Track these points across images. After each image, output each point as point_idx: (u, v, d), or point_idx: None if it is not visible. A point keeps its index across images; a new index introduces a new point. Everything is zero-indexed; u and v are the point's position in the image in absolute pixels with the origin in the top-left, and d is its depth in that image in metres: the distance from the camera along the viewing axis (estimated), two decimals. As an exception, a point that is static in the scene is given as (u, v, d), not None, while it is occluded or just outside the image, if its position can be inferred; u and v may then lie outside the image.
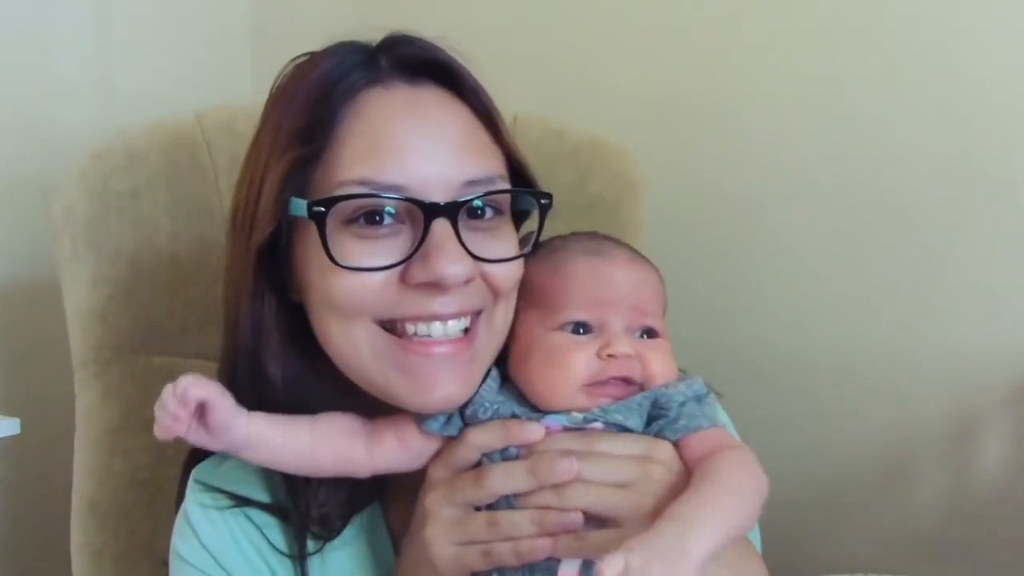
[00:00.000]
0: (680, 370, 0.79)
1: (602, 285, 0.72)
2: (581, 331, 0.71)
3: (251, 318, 0.73)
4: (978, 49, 1.35)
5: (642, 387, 0.72)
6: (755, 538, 0.81)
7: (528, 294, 0.74)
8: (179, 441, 0.74)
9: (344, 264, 0.67)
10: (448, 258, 0.66)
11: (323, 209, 0.66)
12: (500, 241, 0.71)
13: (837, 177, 1.46)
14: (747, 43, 1.51)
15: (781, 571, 1.53)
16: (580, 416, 0.69)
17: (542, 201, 0.73)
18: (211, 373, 0.97)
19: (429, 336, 0.69)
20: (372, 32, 0.82)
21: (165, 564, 0.82)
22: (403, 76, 0.72)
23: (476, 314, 0.71)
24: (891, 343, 1.44)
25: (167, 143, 1.16)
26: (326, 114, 0.69)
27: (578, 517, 0.65)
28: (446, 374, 0.69)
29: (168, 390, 0.65)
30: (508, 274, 0.72)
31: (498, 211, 0.72)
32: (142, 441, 1.11)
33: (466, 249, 0.68)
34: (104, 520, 1.12)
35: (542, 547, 0.65)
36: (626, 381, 0.71)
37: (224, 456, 0.77)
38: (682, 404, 0.71)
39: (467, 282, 0.69)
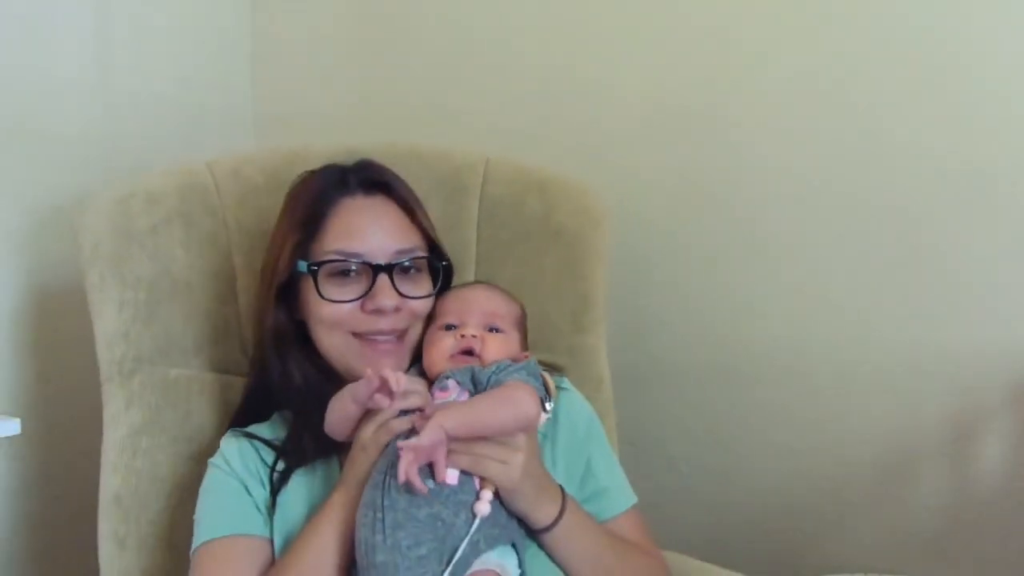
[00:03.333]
0: (547, 365, 1.23)
1: (463, 303, 1.18)
2: (453, 327, 1.15)
3: (273, 334, 1.18)
4: (977, 51, 1.35)
5: (480, 358, 1.12)
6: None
7: (433, 315, 1.20)
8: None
9: (327, 298, 1.14)
10: (385, 296, 1.13)
11: (316, 267, 1.15)
12: (419, 286, 1.18)
13: (837, 178, 1.46)
14: (743, 49, 1.52)
15: (781, 571, 1.54)
16: (443, 376, 1.10)
17: (443, 263, 1.21)
18: (220, 384, 1.33)
19: (377, 339, 1.16)
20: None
21: (180, 552, 1.14)
22: (362, 190, 1.19)
23: (404, 330, 1.17)
24: (891, 343, 1.45)
25: (182, 186, 1.35)
26: (318, 213, 1.17)
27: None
28: (387, 359, 1.15)
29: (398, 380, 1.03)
30: (422, 306, 1.18)
31: (418, 268, 1.19)
32: (160, 441, 1.28)
33: (397, 291, 1.14)
34: (127, 512, 1.25)
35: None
36: (469, 352, 1.12)
37: (244, 427, 1.20)
38: (489, 377, 1.08)
39: (398, 310, 1.15)
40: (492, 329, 1.14)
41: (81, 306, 1.35)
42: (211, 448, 1.24)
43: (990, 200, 1.36)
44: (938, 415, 1.42)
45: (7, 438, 1.47)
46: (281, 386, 1.18)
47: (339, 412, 1.08)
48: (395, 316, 1.14)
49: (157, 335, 1.29)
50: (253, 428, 1.20)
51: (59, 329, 1.60)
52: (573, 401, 1.22)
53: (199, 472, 1.22)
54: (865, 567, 1.43)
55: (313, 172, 1.23)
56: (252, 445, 1.17)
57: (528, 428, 1.05)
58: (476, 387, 1.08)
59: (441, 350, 1.13)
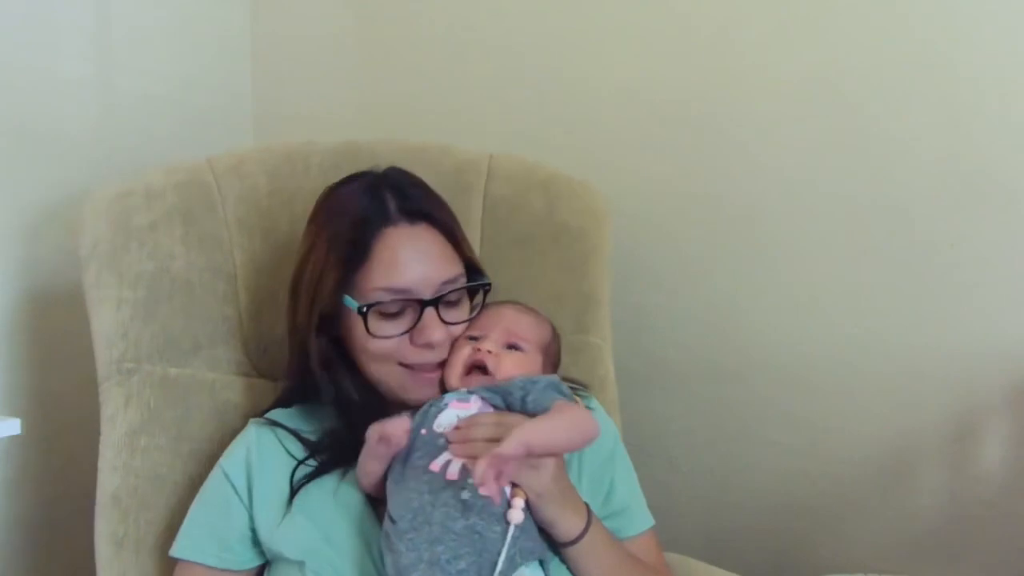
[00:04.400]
0: (573, 381, 1.22)
1: (489, 318, 1.19)
2: (475, 339, 1.17)
3: (318, 352, 1.19)
4: (975, 51, 1.35)
5: (493, 376, 1.12)
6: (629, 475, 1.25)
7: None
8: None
9: (375, 334, 1.15)
10: (433, 331, 1.15)
11: (366, 309, 1.14)
12: (462, 311, 1.20)
13: (836, 179, 1.46)
14: (743, 49, 1.52)
15: (781, 571, 1.54)
16: (466, 391, 1.13)
17: (485, 288, 1.22)
18: (220, 383, 1.31)
19: (423, 369, 1.17)
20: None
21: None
22: (405, 219, 1.17)
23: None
24: (891, 344, 1.45)
25: (182, 183, 1.33)
26: (362, 244, 1.15)
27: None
28: (429, 388, 1.17)
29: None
30: (464, 328, 1.19)
31: (460, 295, 1.20)
32: (159, 441, 1.26)
33: (443, 320, 1.16)
34: (125, 512, 1.23)
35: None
36: (482, 369, 1.13)
37: (273, 415, 1.22)
38: (523, 398, 1.08)
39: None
40: (511, 347, 1.15)
41: (80, 306, 1.35)
42: (211, 448, 1.24)
43: (990, 200, 1.36)
44: (938, 416, 1.42)
45: (7, 438, 1.46)
46: (332, 398, 1.20)
47: (367, 471, 1.10)
48: (441, 346, 1.17)
49: (156, 334, 1.27)
50: (275, 414, 1.21)
51: (58, 329, 1.59)
52: (600, 421, 1.22)
53: (199, 472, 1.21)
54: (865, 567, 1.43)
55: (346, 185, 1.21)
56: (275, 434, 1.18)
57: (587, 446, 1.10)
58: (509, 407, 1.09)
59: (455, 361, 1.15)
